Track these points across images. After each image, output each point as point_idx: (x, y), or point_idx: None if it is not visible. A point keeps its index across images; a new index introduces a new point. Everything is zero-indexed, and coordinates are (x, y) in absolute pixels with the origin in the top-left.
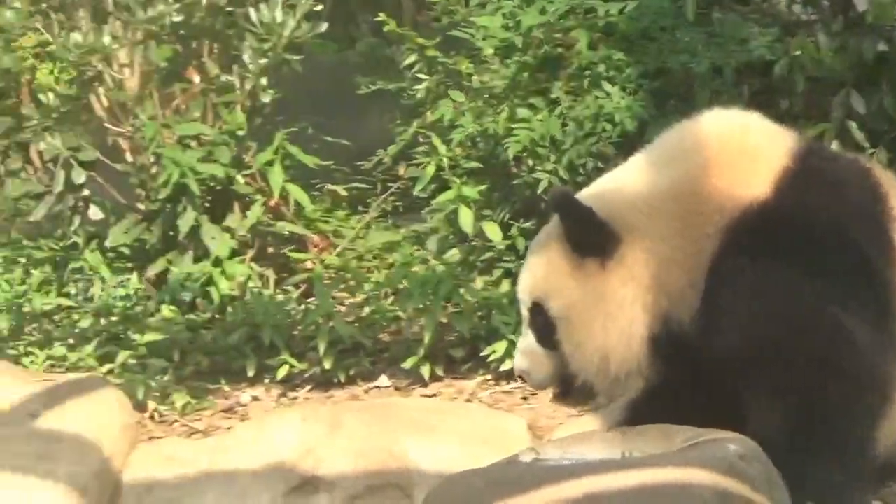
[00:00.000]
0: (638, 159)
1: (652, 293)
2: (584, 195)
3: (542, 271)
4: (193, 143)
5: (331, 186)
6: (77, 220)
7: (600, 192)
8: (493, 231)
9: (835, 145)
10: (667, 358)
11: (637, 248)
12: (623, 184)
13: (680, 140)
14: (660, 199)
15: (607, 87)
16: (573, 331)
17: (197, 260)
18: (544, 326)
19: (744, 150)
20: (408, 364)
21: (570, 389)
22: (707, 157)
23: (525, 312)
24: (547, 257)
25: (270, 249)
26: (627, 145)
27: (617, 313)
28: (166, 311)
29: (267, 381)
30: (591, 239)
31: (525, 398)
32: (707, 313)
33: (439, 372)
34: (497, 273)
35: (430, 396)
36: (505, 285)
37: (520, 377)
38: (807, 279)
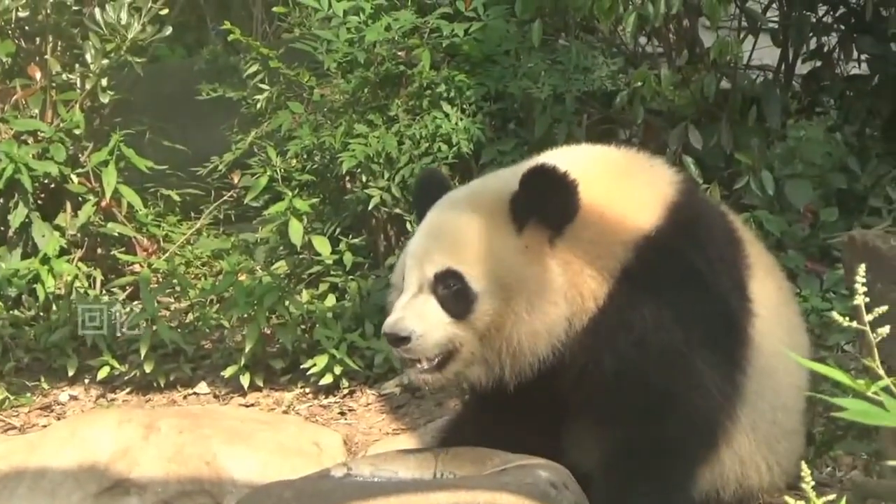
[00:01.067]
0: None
1: (576, 287)
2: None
3: (471, 239)
4: (30, 140)
5: (164, 191)
6: None
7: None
8: (322, 245)
9: None
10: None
11: (575, 233)
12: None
13: (585, 155)
14: (591, 195)
15: (446, 107)
16: (508, 307)
17: (25, 257)
18: (459, 294)
19: (640, 176)
20: (228, 372)
21: (447, 363)
22: (613, 175)
23: (428, 276)
24: (477, 226)
25: (99, 250)
26: (463, 166)
27: (556, 301)
28: None
29: (87, 381)
30: (560, 211)
31: (342, 413)
32: (595, 327)
33: (259, 382)
34: (323, 287)
35: (248, 406)
36: (330, 299)
37: (394, 338)
38: (679, 318)
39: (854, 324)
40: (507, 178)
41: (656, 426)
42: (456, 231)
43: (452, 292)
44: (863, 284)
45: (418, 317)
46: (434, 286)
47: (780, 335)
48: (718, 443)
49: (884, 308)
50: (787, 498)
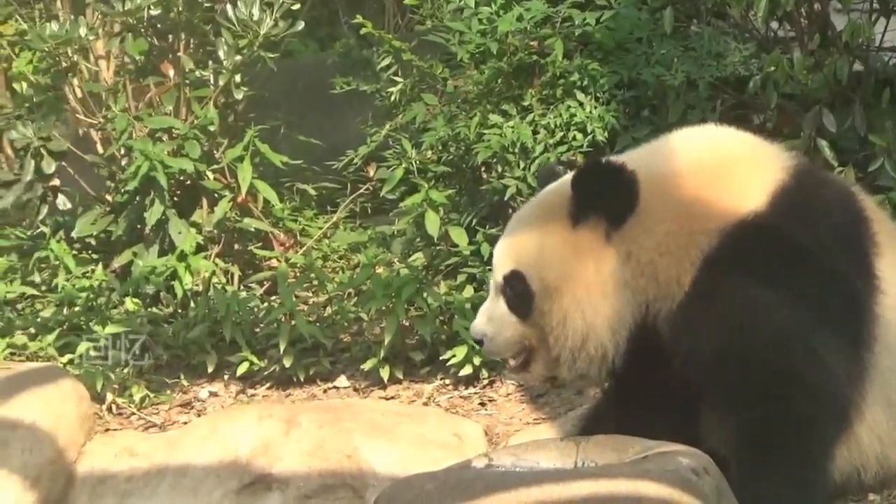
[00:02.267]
0: (647, 150)
1: (645, 276)
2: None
3: (531, 240)
4: (164, 137)
5: (300, 185)
6: (45, 210)
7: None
8: (458, 236)
9: None
10: (635, 351)
11: (643, 226)
12: (632, 161)
13: (681, 142)
14: (669, 184)
15: (580, 96)
16: (560, 304)
17: (162, 254)
18: (521, 295)
19: (743, 162)
20: (367, 365)
21: (530, 362)
22: (711, 159)
23: (499, 279)
24: (538, 226)
25: (236, 246)
26: (598, 155)
27: (612, 294)
28: (129, 303)
29: (226, 377)
30: (616, 205)
31: (483, 404)
32: (685, 314)
33: (398, 374)
34: (461, 278)
35: (388, 399)
36: (468, 290)
37: (476, 341)
38: (786, 298)
39: None
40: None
41: (781, 406)
42: (521, 232)
43: (516, 293)
44: None
45: (490, 319)
46: (503, 288)
47: None
48: (850, 419)
49: None
50: None
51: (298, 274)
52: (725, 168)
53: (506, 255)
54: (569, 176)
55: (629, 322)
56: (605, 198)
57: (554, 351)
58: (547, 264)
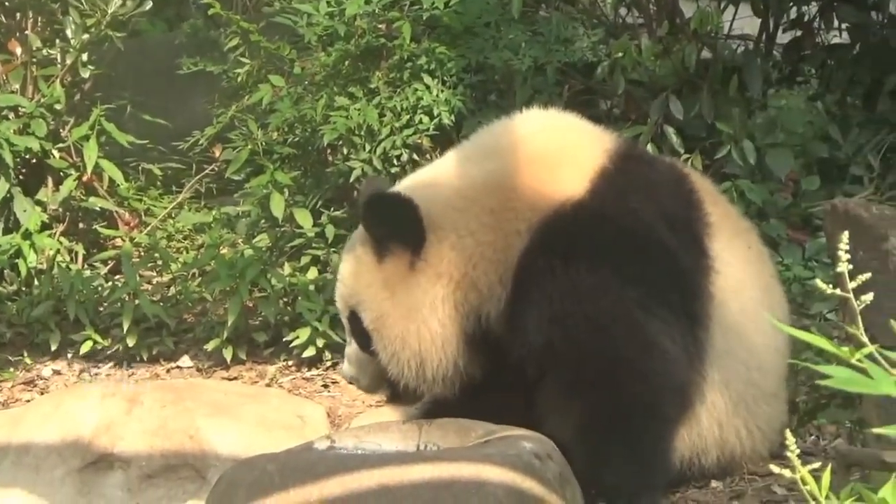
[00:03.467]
0: (453, 155)
1: (462, 289)
2: (398, 188)
3: (352, 280)
4: (11, 115)
5: (146, 165)
6: None
7: (410, 186)
8: (303, 217)
9: (649, 149)
10: (483, 353)
11: (445, 245)
12: (436, 178)
13: (497, 136)
14: (473, 194)
15: (427, 79)
16: (387, 340)
17: (7, 232)
18: (362, 335)
19: (561, 149)
20: (210, 346)
21: (399, 392)
22: (523, 154)
23: (345, 321)
24: (355, 265)
25: (81, 225)
26: (444, 138)
27: (429, 317)
28: None
29: (69, 355)
30: (406, 234)
31: (325, 386)
32: (514, 310)
33: (241, 355)
34: (305, 260)
35: (230, 379)
36: (312, 272)
37: (351, 383)
38: (615, 282)
39: (837, 291)
40: None
41: (613, 392)
42: (344, 273)
43: (360, 333)
44: (845, 252)
45: (351, 362)
46: (350, 329)
47: (751, 294)
48: (691, 400)
49: (867, 275)
50: (771, 466)
51: (143, 253)
52: (540, 159)
53: (340, 299)
54: None
55: (459, 336)
56: (393, 230)
57: (401, 381)
58: (367, 303)
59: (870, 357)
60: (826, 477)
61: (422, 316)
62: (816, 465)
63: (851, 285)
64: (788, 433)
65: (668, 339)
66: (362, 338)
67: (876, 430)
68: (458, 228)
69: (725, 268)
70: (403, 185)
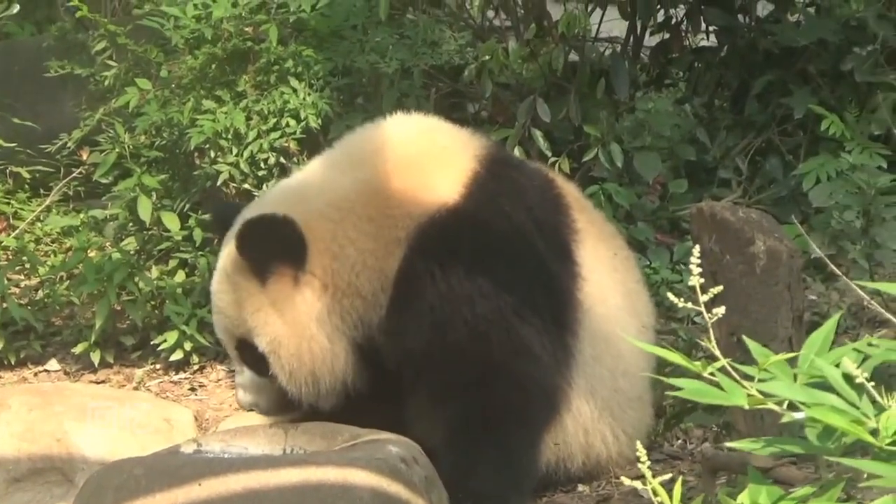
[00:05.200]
0: (321, 162)
1: (348, 298)
2: (265, 204)
3: (235, 310)
4: None
5: (14, 168)
6: None
7: (280, 200)
8: (171, 221)
9: (517, 152)
10: (368, 362)
11: (327, 256)
12: (306, 189)
13: (365, 143)
14: (348, 204)
15: (294, 82)
16: (284, 361)
17: None
18: (259, 359)
19: (432, 154)
20: (78, 349)
21: (288, 405)
22: (394, 160)
23: (232, 351)
24: (235, 294)
25: None
26: (311, 142)
27: (318, 332)
28: None
29: None
30: (287, 252)
31: (193, 389)
32: (394, 316)
33: (109, 359)
34: (173, 263)
35: (98, 383)
36: (180, 275)
37: (251, 411)
38: (491, 288)
39: (689, 304)
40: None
41: (485, 396)
42: (224, 303)
43: (254, 358)
44: (711, 255)
45: (246, 390)
46: (241, 357)
47: (617, 300)
48: (558, 407)
49: (719, 288)
50: (623, 478)
51: (10, 257)
52: (413, 165)
53: (224, 330)
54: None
55: (348, 348)
56: (273, 251)
57: (300, 399)
58: (258, 328)
59: (722, 369)
60: (677, 488)
61: (310, 332)
62: (677, 471)
63: (704, 298)
64: (640, 447)
65: (540, 345)
66: (258, 364)
67: (730, 444)
68: (338, 238)
69: (592, 274)
70: (272, 200)
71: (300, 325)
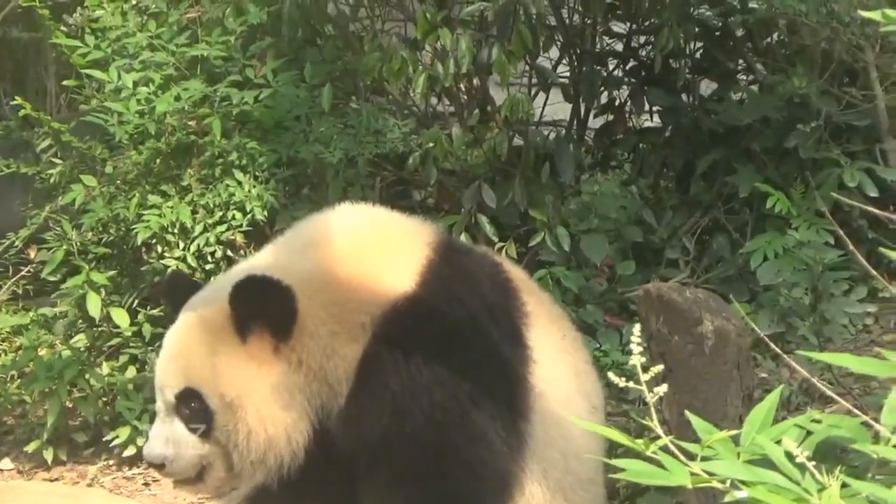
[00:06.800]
0: (273, 250)
1: (318, 381)
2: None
3: (202, 357)
4: None
5: None
6: None
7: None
8: (120, 317)
9: (463, 238)
10: (316, 447)
11: (305, 333)
12: (273, 269)
13: (319, 230)
14: (316, 283)
15: (239, 175)
16: (243, 419)
17: None
18: (199, 414)
19: (385, 242)
20: (31, 447)
21: (204, 476)
22: (351, 247)
23: (170, 398)
24: (207, 342)
25: None
26: (257, 234)
27: (289, 404)
28: None
29: None
30: (276, 318)
31: (147, 484)
32: (352, 403)
33: (62, 456)
34: (123, 359)
35: (52, 480)
36: (131, 371)
37: (152, 465)
38: (444, 375)
39: (631, 384)
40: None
41: (440, 483)
42: (187, 349)
43: (193, 412)
44: (660, 336)
45: (167, 442)
46: (177, 408)
47: (567, 382)
48: (511, 492)
49: (660, 367)
50: None
51: None
52: (369, 253)
53: (175, 374)
54: (230, 280)
55: (306, 430)
56: (264, 312)
57: (236, 466)
58: (224, 381)
59: (665, 449)
60: None
61: (282, 401)
62: None
63: (645, 377)
64: None
65: (493, 431)
66: (196, 418)
67: None
68: (313, 316)
69: (542, 356)
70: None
71: (273, 390)
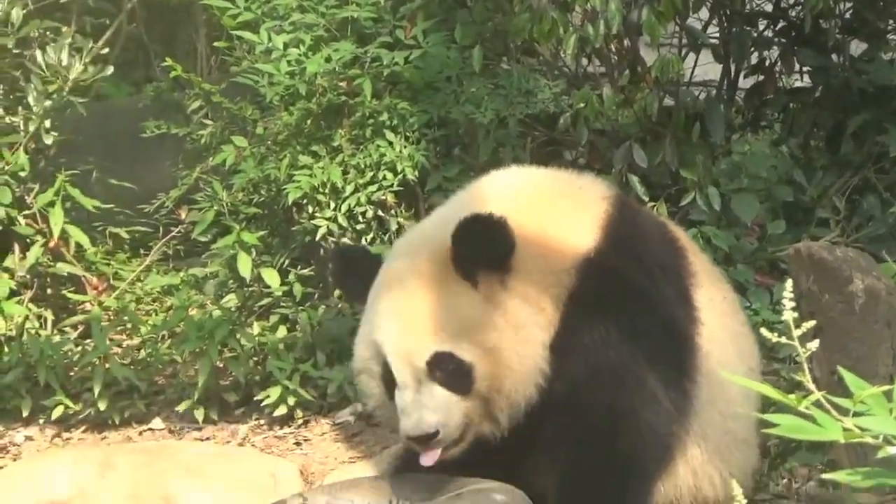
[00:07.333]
0: (451, 208)
1: (540, 314)
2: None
3: (438, 314)
4: None
5: (113, 229)
6: None
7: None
8: (271, 277)
9: None
10: None
11: (529, 269)
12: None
13: (498, 186)
14: (515, 226)
15: (390, 135)
16: (500, 361)
17: None
18: (457, 373)
19: (569, 195)
20: (182, 407)
21: (467, 433)
22: (537, 199)
23: (419, 366)
24: (435, 298)
25: (49, 290)
26: (408, 194)
27: (532, 336)
28: None
29: (41, 421)
30: (499, 253)
31: (298, 443)
32: (553, 353)
33: (213, 416)
34: (274, 318)
35: (203, 440)
36: (281, 331)
37: (420, 439)
38: (627, 334)
39: (784, 339)
40: (435, 236)
41: (609, 444)
42: (422, 311)
43: (450, 373)
44: (810, 295)
45: (435, 409)
46: (430, 374)
47: (727, 344)
48: (674, 455)
49: (812, 323)
50: None
51: (112, 317)
52: (558, 204)
53: (420, 341)
54: (429, 232)
55: (544, 365)
56: (490, 249)
57: (494, 414)
58: (474, 331)
59: (817, 404)
60: None
61: (527, 335)
62: None
63: (797, 332)
64: (737, 487)
65: (664, 393)
66: (456, 379)
67: (829, 476)
68: (526, 256)
69: (708, 318)
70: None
71: (518, 327)
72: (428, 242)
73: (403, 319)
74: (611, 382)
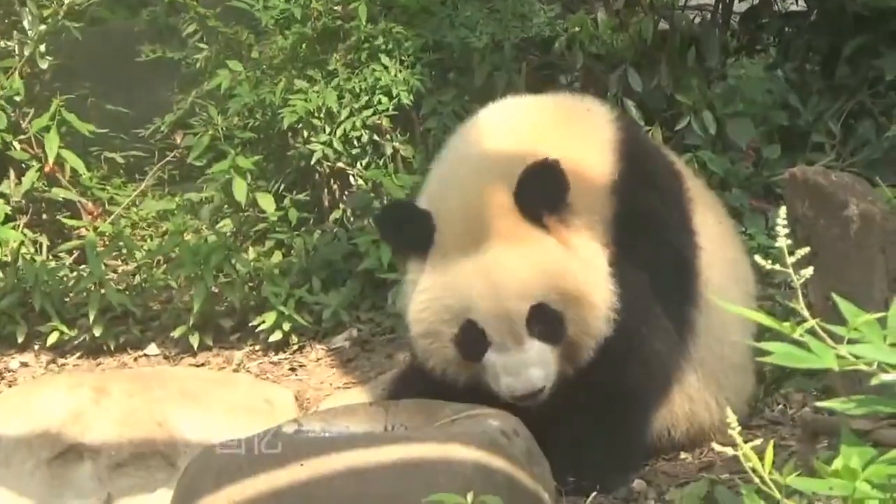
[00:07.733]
0: (468, 138)
1: (600, 244)
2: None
3: (528, 270)
4: None
5: (108, 154)
6: None
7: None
8: (266, 201)
9: None
10: None
11: (577, 204)
12: (516, 147)
13: (510, 117)
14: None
15: (385, 60)
16: (585, 307)
17: None
18: (552, 324)
19: (582, 120)
20: (177, 333)
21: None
22: (555, 126)
23: (519, 321)
24: (526, 249)
25: (44, 216)
26: (403, 118)
27: (598, 270)
28: None
29: (36, 347)
30: (558, 195)
31: (293, 369)
32: None
33: (208, 341)
34: (269, 244)
35: (198, 366)
36: (277, 256)
37: (529, 397)
38: (638, 260)
39: (777, 266)
40: (480, 185)
41: (612, 371)
42: (510, 268)
43: (546, 325)
44: (805, 220)
45: (538, 365)
46: (530, 329)
47: (724, 269)
48: (672, 384)
49: (806, 250)
50: (714, 445)
51: (107, 243)
52: (573, 130)
53: (509, 299)
54: (483, 181)
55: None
56: (555, 193)
57: (579, 354)
58: (555, 277)
59: (811, 331)
60: (769, 453)
61: (602, 268)
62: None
63: (791, 260)
64: (731, 413)
65: (668, 321)
66: (555, 325)
67: (822, 404)
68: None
69: (706, 243)
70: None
71: (588, 265)
72: (476, 194)
73: (492, 280)
74: (635, 310)
